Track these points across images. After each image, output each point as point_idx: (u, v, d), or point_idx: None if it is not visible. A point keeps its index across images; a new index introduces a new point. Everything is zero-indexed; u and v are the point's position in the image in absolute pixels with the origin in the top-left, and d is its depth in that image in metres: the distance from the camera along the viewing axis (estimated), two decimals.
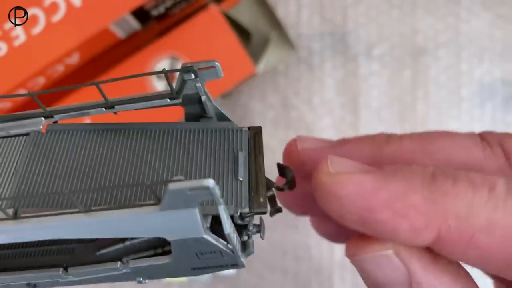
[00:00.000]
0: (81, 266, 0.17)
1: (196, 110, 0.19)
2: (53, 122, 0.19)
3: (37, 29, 0.31)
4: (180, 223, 0.15)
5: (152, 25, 0.35)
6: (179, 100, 0.18)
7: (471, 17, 0.39)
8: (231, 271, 0.38)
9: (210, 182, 0.14)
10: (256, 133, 0.18)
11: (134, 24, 0.33)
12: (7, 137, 0.19)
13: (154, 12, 0.33)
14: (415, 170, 0.16)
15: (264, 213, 0.17)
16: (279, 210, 0.18)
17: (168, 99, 0.18)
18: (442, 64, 0.39)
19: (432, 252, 0.17)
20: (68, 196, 0.15)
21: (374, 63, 0.39)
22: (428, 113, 0.39)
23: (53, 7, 0.31)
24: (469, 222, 0.15)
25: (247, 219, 0.16)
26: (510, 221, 0.15)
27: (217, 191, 0.14)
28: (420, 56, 0.39)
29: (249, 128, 0.19)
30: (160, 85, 0.34)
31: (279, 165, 0.19)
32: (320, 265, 0.38)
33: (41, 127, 0.19)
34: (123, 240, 0.17)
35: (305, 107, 0.39)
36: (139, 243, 0.17)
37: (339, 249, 0.38)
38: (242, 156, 0.17)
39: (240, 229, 0.17)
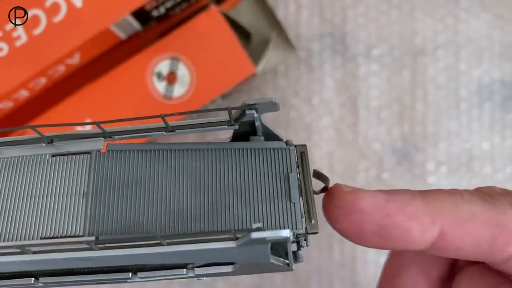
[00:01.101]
0: (149, 271, 0.18)
1: (246, 129, 0.20)
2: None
3: (38, 30, 0.31)
4: (252, 254, 0.17)
5: (153, 26, 0.35)
6: (236, 127, 0.19)
7: (470, 18, 0.40)
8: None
9: (286, 232, 0.15)
10: (302, 152, 0.20)
11: (135, 25, 0.34)
12: (68, 155, 0.19)
13: (155, 13, 0.34)
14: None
15: (315, 233, 0.18)
16: None
17: (226, 126, 0.19)
18: (441, 65, 0.40)
19: None
20: (148, 228, 0.17)
21: (374, 63, 0.40)
22: (427, 113, 0.39)
23: (54, 8, 0.31)
24: (458, 214, 0.20)
25: (300, 237, 0.18)
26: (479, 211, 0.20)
27: (291, 238, 0.16)
28: (419, 56, 0.40)
29: (295, 146, 0.20)
30: (160, 86, 0.34)
31: (315, 172, 0.20)
32: (320, 265, 0.39)
33: (102, 146, 0.19)
34: None
35: (304, 107, 0.40)
36: None
37: (338, 248, 0.38)
38: (293, 177, 0.18)
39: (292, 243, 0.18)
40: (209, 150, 0.19)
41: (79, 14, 0.31)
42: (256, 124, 0.19)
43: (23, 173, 0.19)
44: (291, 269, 0.19)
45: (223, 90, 0.35)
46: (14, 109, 0.34)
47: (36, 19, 0.31)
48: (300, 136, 0.39)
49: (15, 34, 0.31)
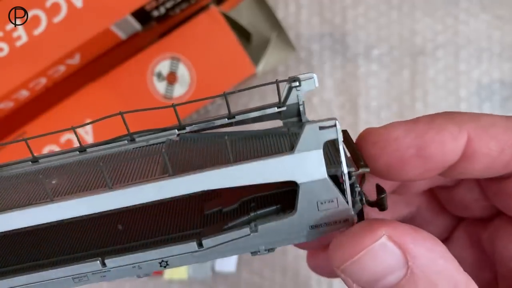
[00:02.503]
0: (212, 236, 0.19)
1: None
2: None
3: (38, 30, 0.31)
4: (308, 165, 0.18)
5: (153, 26, 0.35)
6: (284, 108, 0.22)
7: (469, 18, 0.40)
8: (231, 269, 0.39)
9: (335, 119, 0.18)
10: (343, 131, 0.22)
11: (135, 25, 0.34)
12: (146, 146, 0.22)
13: (155, 13, 0.34)
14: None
15: (367, 171, 0.20)
16: (384, 209, 0.20)
17: (276, 107, 0.21)
18: (441, 65, 0.40)
19: (413, 225, 0.20)
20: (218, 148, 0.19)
21: (373, 63, 0.40)
22: (427, 113, 0.39)
23: (55, 8, 0.31)
24: (479, 122, 0.21)
25: (353, 177, 0.19)
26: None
27: (339, 127, 0.18)
28: (419, 56, 0.40)
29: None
30: (161, 86, 0.34)
31: (377, 185, 0.21)
32: None
33: (175, 136, 0.22)
34: (247, 212, 0.20)
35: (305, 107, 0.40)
36: (261, 213, 0.20)
37: None
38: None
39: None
40: (264, 135, 0.21)
41: (79, 14, 0.31)
42: (300, 108, 0.22)
43: (109, 162, 0.21)
44: (350, 213, 0.19)
45: (224, 90, 0.35)
46: (15, 109, 0.34)
47: (37, 19, 0.31)
48: None
49: (15, 34, 0.31)
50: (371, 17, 0.40)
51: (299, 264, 0.39)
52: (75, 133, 0.21)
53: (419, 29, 0.40)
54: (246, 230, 0.19)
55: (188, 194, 0.23)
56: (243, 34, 0.36)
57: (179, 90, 0.34)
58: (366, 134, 0.22)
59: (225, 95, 0.20)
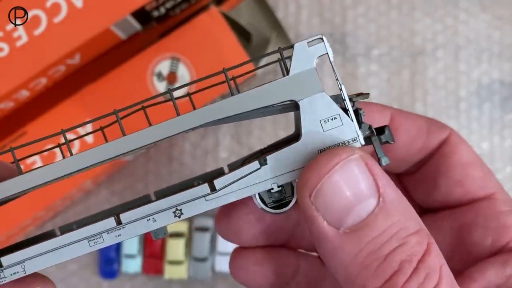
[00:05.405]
0: (225, 176, 0.19)
1: None
2: None
3: (39, 30, 0.31)
4: (304, 83, 0.19)
5: (153, 26, 0.35)
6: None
7: (469, 18, 0.40)
8: None
9: (321, 35, 0.19)
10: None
11: (135, 25, 0.34)
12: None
13: (155, 13, 0.34)
14: None
15: (367, 97, 0.21)
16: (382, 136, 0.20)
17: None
18: (441, 65, 0.40)
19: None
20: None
21: (373, 63, 0.40)
22: (427, 113, 0.39)
23: (55, 8, 0.31)
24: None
25: (355, 103, 0.20)
26: None
27: (326, 41, 0.19)
28: (418, 56, 0.40)
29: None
30: (161, 86, 0.34)
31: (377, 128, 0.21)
32: None
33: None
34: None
35: None
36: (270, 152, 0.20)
37: None
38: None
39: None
40: None
41: (79, 14, 0.31)
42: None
43: None
44: (356, 129, 0.19)
45: (223, 90, 0.35)
46: (15, 109, 0.34)
47: (37, 19, 0.31)
48: None
49: (15, 34, 0.31)
50: (371, 17, 0.40)
51: None
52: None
53: (419, 29, 0.40)
54: (255, 164, 0.19)
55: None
56: (243, 34, 0.36)
57: (179, 90, 0.34)
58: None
59: (224, 71, 0.20)
